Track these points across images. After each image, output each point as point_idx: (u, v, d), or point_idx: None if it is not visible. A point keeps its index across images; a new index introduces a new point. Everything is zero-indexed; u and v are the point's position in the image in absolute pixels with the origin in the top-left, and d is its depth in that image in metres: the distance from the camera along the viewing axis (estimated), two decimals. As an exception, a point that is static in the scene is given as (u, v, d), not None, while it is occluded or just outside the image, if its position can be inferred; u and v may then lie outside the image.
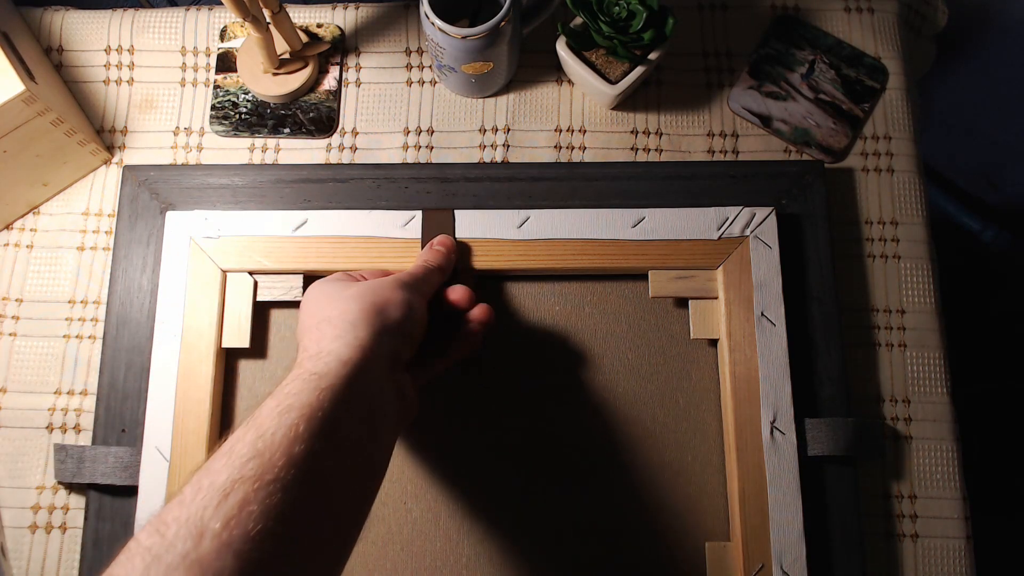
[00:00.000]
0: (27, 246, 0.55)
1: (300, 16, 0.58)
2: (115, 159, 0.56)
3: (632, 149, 0.56)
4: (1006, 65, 0.89)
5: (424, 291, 0.44)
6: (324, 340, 0.38)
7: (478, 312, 0.46)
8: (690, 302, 0.51)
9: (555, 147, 0.56)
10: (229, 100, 0.57)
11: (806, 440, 0.48)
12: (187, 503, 0.30)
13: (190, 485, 0.31)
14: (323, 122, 0.57)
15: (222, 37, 0.58)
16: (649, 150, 0.56)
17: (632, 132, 0.57)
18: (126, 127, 0.57)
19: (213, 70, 0.58)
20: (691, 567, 0.48)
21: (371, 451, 0.37)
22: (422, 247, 0.50)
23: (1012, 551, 0.82)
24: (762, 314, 0.49)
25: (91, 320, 0.53)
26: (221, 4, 0.52)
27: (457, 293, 0.46)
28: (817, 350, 0.50)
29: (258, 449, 0.31)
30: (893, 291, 0.54)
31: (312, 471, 0.32)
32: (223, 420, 0.50)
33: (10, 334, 0.53)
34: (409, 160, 0.56)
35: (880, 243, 0.54)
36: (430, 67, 0.58)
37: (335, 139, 0.57)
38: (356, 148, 0.56)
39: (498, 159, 0.56)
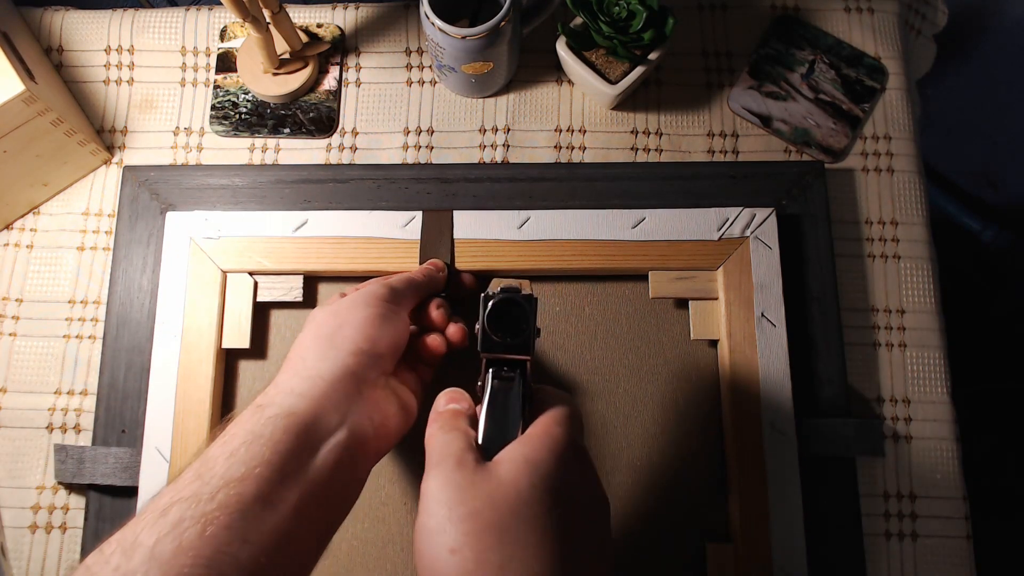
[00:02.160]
0: (27, 246, 0.55)
1: (300, 16, 0.58)
2: (115, 159, 0.56)
3: (632, 149, 0.56)
4: (1006, 65, 0.89)
5: (403, 303, 0.43)
6: (280, 376, 0.38)
7: (452, 331, 0.45)
8: (690, 303, 0.51)
9: (555, 147, 0.56)
10: (229, 100, 0.57)
11: (806, 440, 0.48)
12: (130, 525, 0.31)
13: (138, 513, 0.32)
14: (323, 122, 0.57)
15: (222, 37, 0.58)
16: (649, 150, 0.56)
17: (632, 132, 0.57)
18: (126, 127, 0.57)
19: (213, 70, 0.58)
20: (692, 568, 0.48)
21: (325, 477, 0.35)
22: (422, 248, 0.50)
23: (1012, 552, 0.82)
24: (762, 315, 0.49)
25: (91, 320, 0.53)
26: (221, 4, 0.52)
27: (435, 311, 0.45)
28: (817, 350, 0.50)
29: (199, 473, 0.32)
30: (893, 291, 0.54)
31: (253, 492, 0.32)
32: (223, 421, 0.50)
33: (10, 334, 0.53)
34: (409, 160, 0.56)
35: (880, 243, 0.54)
36: (430, 67, 0.58)
37: (335, 139, 0.57)
38: (356, 148, 0.56)
39: (498, 159, 0.56)
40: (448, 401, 0.37)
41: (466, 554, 0.29)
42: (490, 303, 0.35)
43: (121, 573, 0.29)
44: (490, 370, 0.36)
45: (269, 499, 0.32)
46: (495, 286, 0.38)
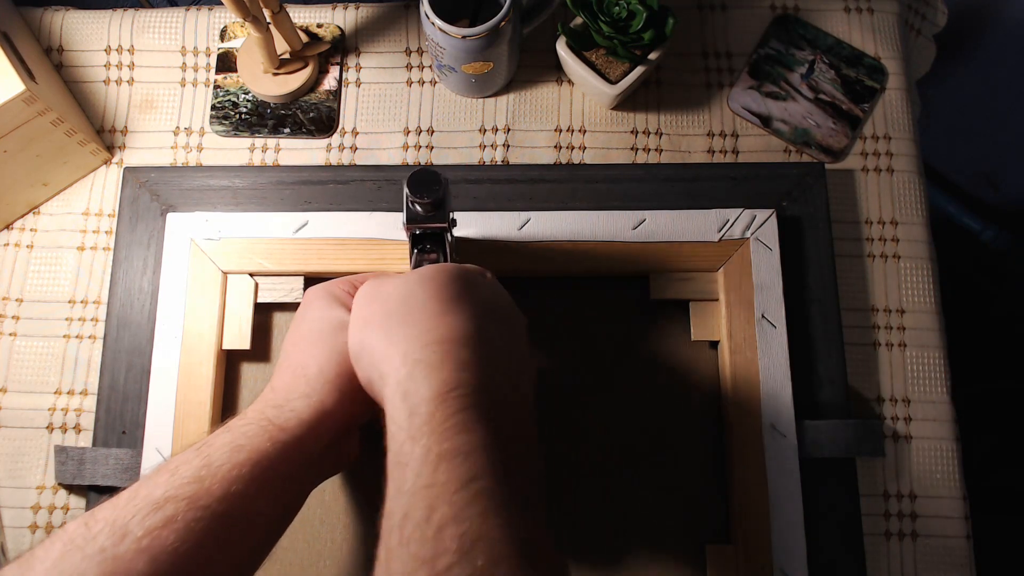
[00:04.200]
0: (27, 246, 0.55)
1: (300, 16, 0.58)
2: (115, 159, 0.56)
3: (632, 149, 0.56)
4: (1006, 65, 0.89)
5: None
6: (293, 393, 0.38)
7: None
8: (691, 304, 0.51)
9: (555, 147, 0.56)
10: (229, 100, 0.57)
11: (806, 442, 0.48)
12: (120, 507, 0.32)
13: (128, 491, 0.33)
14: (323, 122, 0.57)
15: (222, 37, 0.58)
16: (649, 150, 0.56)
17: (632, 132, 0.57)
18: (126, 127, 0.57)
19: (213, 70, 0.58)
20: (692, 569, 0.48)
21: (297, 497, 0.38)
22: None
23: (1012, 551, 0.82)
24: (763, 316, 0.49)
25: (91, 320, 0.53)
26: (221, 4, 0.52)
27: None
28: (817, 352, 0.50)
29: (200, 476, 0.33)
30: (893, 291, 0.54)
31: (243, 508, 0.34)
32: (224, 423, 0.50)
33: (10, 334, 0.53)
34: (409, 160, 0.56)
35: (880, 243, 0.54)
36: (430, 67, 0.58)
37: (335, 139, 0.57)
38: (356, 148, 0.56)
39: (498, 159, 0.56)
40: None
41: (374, 307, 0.35)
42: (408, 176, 0.39)
43: (107, 556, 0.30)
44: (416, 247, 0.41)
45: (257, 518, 0.34)
46: None
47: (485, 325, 0.34)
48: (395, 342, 0.33)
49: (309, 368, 0.39)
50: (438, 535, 0.25)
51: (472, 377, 0.30)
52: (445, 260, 0.41)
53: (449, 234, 0.42)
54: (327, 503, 0.49)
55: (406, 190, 0.39)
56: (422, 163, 0.56)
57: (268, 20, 0.52)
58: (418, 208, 0.40)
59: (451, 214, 0.42)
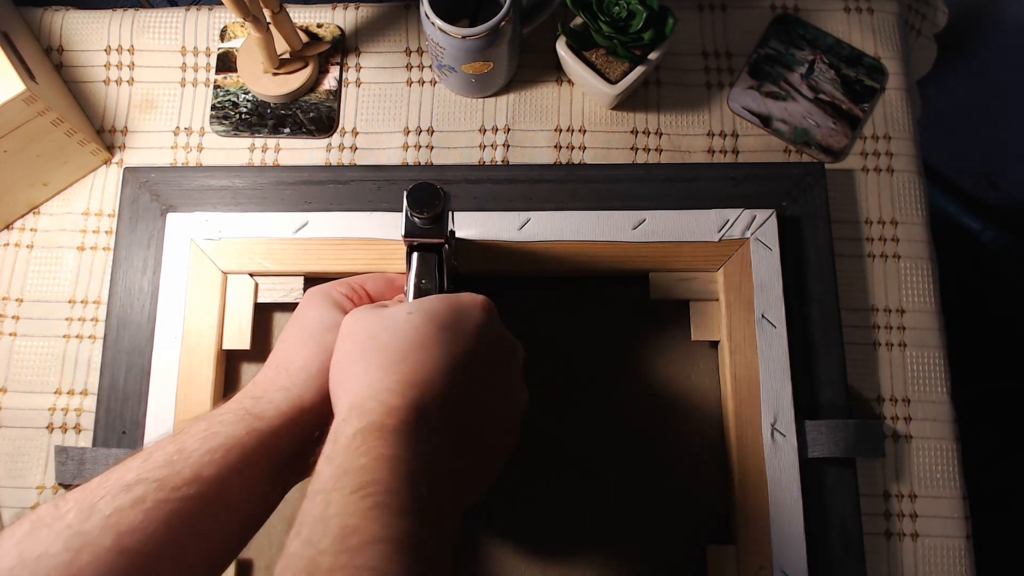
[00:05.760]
0: (27, 246, 0.55)
1: (300, 16, 0.58)
2: (115, 159, 0.56)
3: (632, 149, 0.56)
4: (1006, 65, 0.89)
5: None
6: (273, 386, 0.38)
7: None
8: (691, 304, 0.51)
9: (555, 147, 0.56)
10: (229, 100, 0.57)
11: (806, 442, 0.48)
12: (91, 489, 0.32)
13: (101, 476, 0.33)
14: (323, 122, 0.57)
15: (222, 37, 0.58)
16: (649, 150, 0.56)
17: (632, 132, 0.57)
18: (126, 127, 0.57)
19: (213, 70, 0.58)
20: (692, 569, 0.48)
21: (272, 491, 0.38)
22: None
23: (1012, 550, 0.82)
24: (762, 316, 0.49)
25: (91, 320, 0.53)
26: (221, 4, 0.52)
27: None
28: (817, 352, 0.50)
29: (172, 460, 0.33)
30: (893, 291, 0.54)
31: (214, 495, 0.34)
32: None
33: (10, 334, 0.53)
34: (409, 159, 0.56)
35: (880, 243, 0.54)
36: (430, 67, 0.58)
37: (335, 139, 0.57)
38: (356, 148, 0.56)
39: (498, 159, 0.56)
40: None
41: (343, 342, 0.36)
42: (409, 188, 0.39)
43: (74, 531, 0.30)
44: (414, 253, 0.41)
45: (229, 506, 0.34)
46: None
47: (445, 370, 0.35)
48: (346, 391, 0.34)
49: (293, 363, 0.39)
50: (325, 526, 0.28)
51: (399, 422, 0.32)
52: (440, 280, 0.41)
53: (447, 246, 0.42)
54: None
55: (405, 203, 0.39)
56: (422, 163, 0.56)
57: (268, 20, 0.52)
58: (416, 221, 0.40)
59: (451, 227, 0.42)
